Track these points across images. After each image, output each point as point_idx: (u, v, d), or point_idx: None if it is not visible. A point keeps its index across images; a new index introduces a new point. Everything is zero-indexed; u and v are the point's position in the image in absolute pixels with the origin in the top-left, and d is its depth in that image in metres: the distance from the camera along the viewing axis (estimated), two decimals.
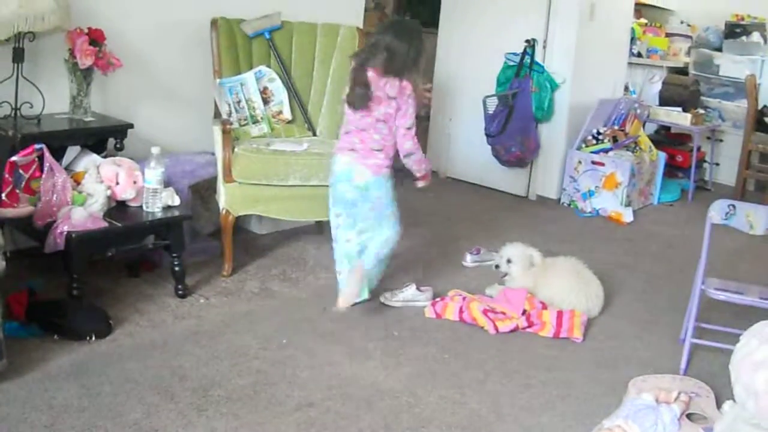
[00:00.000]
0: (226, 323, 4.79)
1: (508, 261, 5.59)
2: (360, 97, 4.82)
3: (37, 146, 4.63)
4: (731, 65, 10.92)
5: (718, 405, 4.18)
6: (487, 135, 8.47)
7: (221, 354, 4.37)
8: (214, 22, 5.76)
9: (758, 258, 7.21)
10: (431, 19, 9.91)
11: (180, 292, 5.07)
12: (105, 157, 5.13)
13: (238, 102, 5.85)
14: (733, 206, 4.82)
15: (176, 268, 5.03)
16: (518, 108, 8.30)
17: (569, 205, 8.53)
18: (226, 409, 3.85)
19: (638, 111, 9.26)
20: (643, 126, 9.48)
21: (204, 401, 3.89)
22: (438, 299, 5.35)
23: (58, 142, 4.94)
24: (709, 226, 4.84)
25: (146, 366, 4.18)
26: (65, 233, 4.46)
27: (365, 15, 7.69)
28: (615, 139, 8.63)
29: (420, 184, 5.42)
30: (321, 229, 6.48)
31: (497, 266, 5.65)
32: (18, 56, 4.94)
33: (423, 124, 9.52)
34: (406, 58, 4.85)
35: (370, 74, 4.81)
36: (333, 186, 5.04)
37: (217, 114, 5.73)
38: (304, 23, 6.29)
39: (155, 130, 5.72)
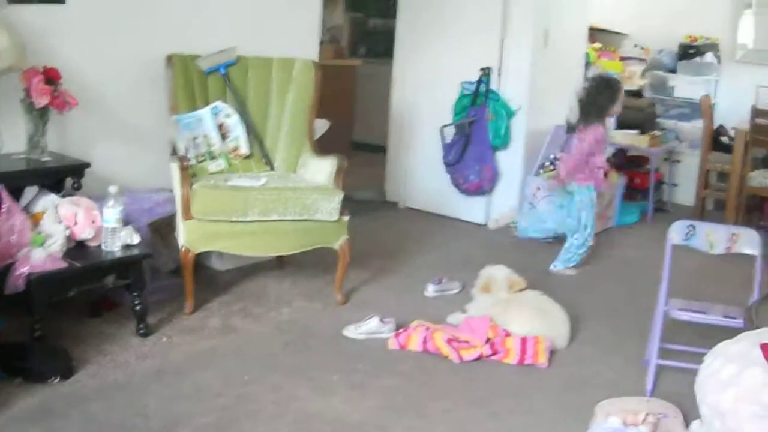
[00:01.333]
0: (189, 361, 4.75)
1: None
2: None
3: None
4: (686, 86, 11.02)
5: (686, 425, 4.20)
6: (446, 164, 8.51)
7: (185, 392, 4.34)
8: (169, 59, 5.76)
9: (720, 277, 7.24)
10: (386, 50, 9.95)
11: (142, 331, 5.02)
12: (63, 196, 5.09)
13: (195, 138, 5.84)
14: (693, 226, 4.86)
15: (137, 307, 4.99)
16: (475, 136, 8.34)
17: None
18: None
19: None
20: None
21: None
22: (401, 330, 5.32)
23: (15, 183, 4.90)
24: (670, 247, 4.88)
25: (110, 407, 4.13)
26: (25, 275, 4.42)
27: (320, 48, 7.71)
28: None
29: None
30: (282, 264, 6.49)
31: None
32: None
33: (379, 154, 9.59)
34: None
35: None
36: None
37: (174, 151, 5.71)
38: (259, 58, 6.29)
39: (113, 168, 5.68)
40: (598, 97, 7.03)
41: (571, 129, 7.14)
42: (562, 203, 7.33)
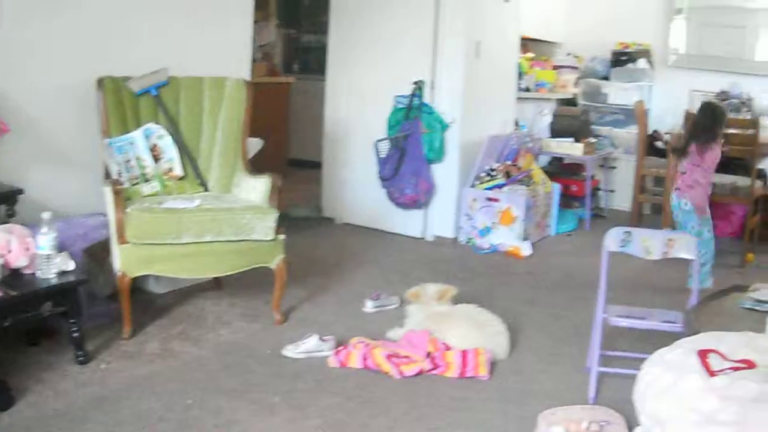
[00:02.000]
0: (129, 387, 4.69)
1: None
2: None
3: None
4: (619, 93, 11.16)
5: (630, 431, 4.22)
6: (381, 178, 8.53)
7: (126, 419, 4.29)
8: (100, 82, 5.71)
9: (658, 282, 7.31)
10: (319, 67, 9.96)
11: (81, 359, 4.95)
12: None
13: (128, 161, 5.79)
14: (629, 233, 4.91)
15: (75, 334, 4.92)
16: (410, 150, 8.36)
17: (467, 243, 8.58)
18: None
19: (530, 145, 9.38)
20: (536, 159, 9.59)
21: None
22: (341, 348, 5.31)
23: None
24: (606, 254, 4.92)
25: None
26: None
27: (253, 66, 7.69)
28: (508, 174, 8.72)
29: None
30: (219, 285, 6.45)
31: None
32: None
33: (315, 171, 9.58)
34: None
35: None
36: None
37: (107, 174, 5.66)
38: (190, 78, 6.26)
39: (46, 194, 5.63)
40: (710, 122, 7.21)
41: (677, 151, 7.35)
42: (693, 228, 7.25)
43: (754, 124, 8.43)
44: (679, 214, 7.27)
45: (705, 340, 3.19)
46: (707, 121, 7.17)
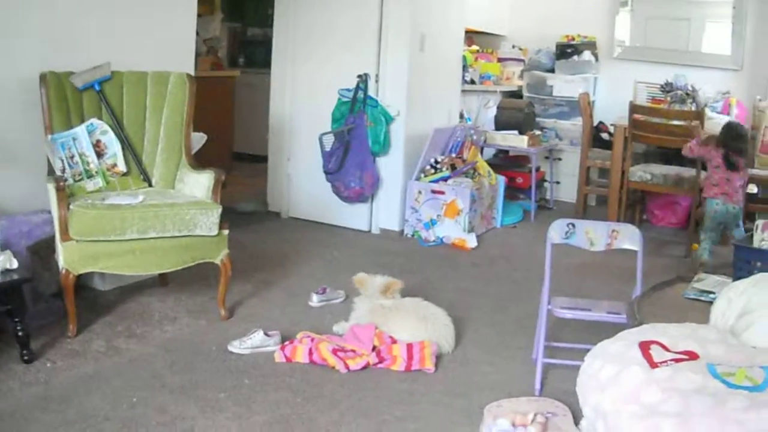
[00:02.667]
0: (75, 386, 4.65)
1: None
2: None
3: None
4: (564, 85, 11.24)
5: (576, 422, 4.25)
6: (326, 172, 8.52)
7: (71, 418, 4.25)
8: (42, 77, 5.64)
9: (603, 273, 7.37)
10: (265, 60, 9.94)
11: (25, 358, 4.90)
12: None
13: (72, 157, 5.74)
14: (573, 224, 4.94)
15: (20, 333, 4.87)
16: (355, 143, 8.36)
17: (413, 235, 8.61)
18: None
19: (474, 137, 9.41)
20: (481, 151, 9.64)
21: None
22: (287, 343, 5.31)
23: None
24: (550, 246, 4.96)
25: None
26: None
27: (198, 60, 7.66)
28: (453, 167, 8.75)
29: None
30: (164, 281, 6.42)
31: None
32: None
33: (261, 165, 9.56)
34: None
35: None
36: None
37: (51, 171, 5.61)
38: (133, 72, 6.21)
39: None
40: (744, 140, 7.86)
41: (732, 166, 7.72)
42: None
43: (698, 115, 8.51)
44: (727, 215, 7.71)
45: (647, 331, 3.20)
46: (743, 141, 7.72)
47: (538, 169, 10.15)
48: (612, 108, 10.39)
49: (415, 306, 5.70)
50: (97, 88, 5.97)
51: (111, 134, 5.96)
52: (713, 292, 4.19)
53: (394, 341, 5.33)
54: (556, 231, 4.94)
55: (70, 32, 6.08)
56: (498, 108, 10.78)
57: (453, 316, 5.71)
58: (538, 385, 4.93)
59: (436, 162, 8.79)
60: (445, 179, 8.62)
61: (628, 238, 4.96)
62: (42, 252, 5.66)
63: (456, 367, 5.26)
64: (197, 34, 7.40)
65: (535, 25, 11.67)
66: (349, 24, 8.63)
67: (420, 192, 8.54)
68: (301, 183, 9.17)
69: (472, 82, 10.40)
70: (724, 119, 9.17)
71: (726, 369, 2.83)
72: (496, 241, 8.70)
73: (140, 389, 4.65)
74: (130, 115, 6.16)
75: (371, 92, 8.49)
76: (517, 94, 11.56)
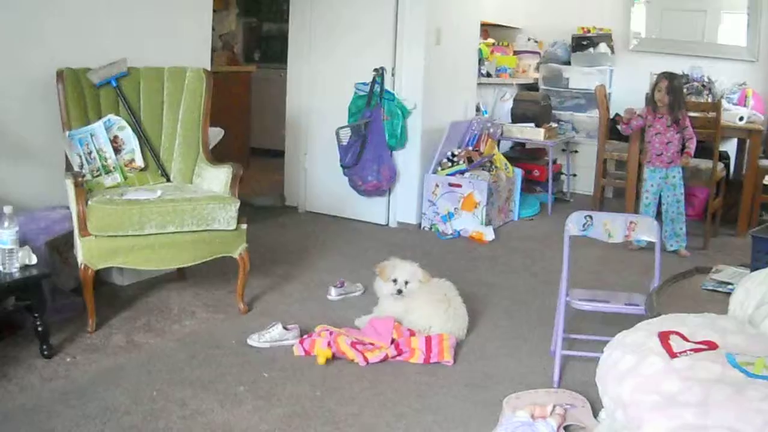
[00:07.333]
0: (95, 380, 4.67)
1: (406, 283, 5.61)
2: None
3: None
4: (580, 77, 11.22)
5: (595, 414, 4.25)
6: (343, 166, 8.53)
7: (92, 413, 4.27)
8: (60, 74, 5.66)
9: (621, 265, 7.37)
10: (280, 55, 9.94)
11: (45, 353, 4.92)
12: None
13: (89, 153, 5.76)
14: (590, 217, 4.92)
15: (40, 328, 4.88)
16: (371, 137, 8.37)
17: (430, 228, 8.62)
18: None
19: (491, 130, 9.40)
20: (498, 144, 9.63)
21: None
22: (306, 336, 5.32)
23: None
24: (567, 238, 4.94)
25: None
26: None
27: (214, 55, 7.67)
28: (470, 160, 8.74)
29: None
30: (183, 276, 6.44)
31: (400, 291, 5.62)
32: None
33: (278, 159, 9.57)
34: None
35: None
36: None
37: (68, 167, 5.64)
38: (150, 68, 6.23)
39: (7, 188, 5.59)
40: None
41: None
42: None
43: (715, 107, 8.48)
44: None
45: (667, 321, 3.20)
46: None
47: (554, 162, 10.15)
48: (628, 100, 10.33)
49: (440, 289, 5.68)
50: (114, 84, 5.99)
51: (128, 130, 5.97)
52: (731, 283, 4.17)
53: (412, 334, 5.33)
54: (574, 223, 4.93)
55: (86, 29, 6.10)
56: (514, 101, 10.77)
57: (471, 309, 5.73)
58: (556, 377, 4.93)
59: (453, 155, 8.79)
60: (462, 172, 8.62)
61: (646, 230, 4.95)
62: (61, 247, 5.68)
63: (475, 359, 5.26)
64: (213, 29, 7.41)
65: (551, 17, 11.66)
66: (365, 18, 8.64)
67: (437, 185, 8.54)
68: (318, 177, 9.19)
69: (488, 75, 10.40)
70: (741, 110, 9.15)
71: (745, 359, 2.82)
72: (513, 233, 8.70)
73: (160, 383, 4.67)
74: (147, 111, 6.18)
75: (388, 86, 8.49)
76: (533, 87, 11.54)
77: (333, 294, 6.31)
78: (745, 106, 9.70)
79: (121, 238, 5.29)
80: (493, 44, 10.95)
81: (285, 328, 5.36)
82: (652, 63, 10.57)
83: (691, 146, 7.84)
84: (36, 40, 5.80)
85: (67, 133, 5.66)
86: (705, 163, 8.57)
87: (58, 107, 5.69)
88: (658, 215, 7.81)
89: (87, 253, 5.28)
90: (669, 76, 7.81)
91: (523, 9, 11.87)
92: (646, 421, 2.70)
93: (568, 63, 11.40)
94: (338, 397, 4.62)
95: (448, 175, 8.60)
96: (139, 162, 6.02)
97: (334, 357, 5.12)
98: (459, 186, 8.46)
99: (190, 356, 5.08)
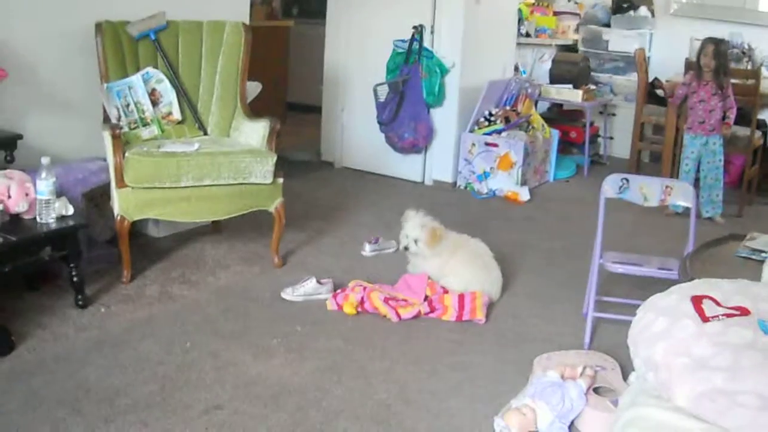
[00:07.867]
0: (129, 331, 4.73)
1: (416, 241, 5.58)
2: None
3: None
4: (620, 40, 11.10)
5: (624, 377, 4.25)
6: (380, 123, 8.53)
7: (125, 362, 4.33)
8: (98, 26, 5.68)
9: (655, 229, 7.34)
10: (319, 10, 9.92)
11: (80, 303, 4.98)
12: None
13: (127, 105, 5.78)
14: (626, 180, 4.90)
15: (75, 279, 4.94)
16: (409, 94, 8.35)
17: (466, 187, 8.61)
18: (134, 417, 3.82)
19: (529, 90, 9.35)
20: (535, 105, 9.59)
21: (111, 411, 3.85)
22: (339, 291, 5.34)
23: None
24: (603, 200, 4.93)
25: (51, 380, 4.11)
26: None
27: (252, 10, 7.66)
28: (507, 120, 8.71)
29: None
30: (218, 229, 6.47)
31: (406, 248, 5.60)
32: None
33: (315, 115, 9.57)
34: None
35: None
36: None
37: (106, 119, 5.66)
38: (189, 22, 6.23)
39: (45, 139, 5.63)
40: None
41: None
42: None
43: (755, 74, 8.41)
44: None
45: (700, 286, 3.19)
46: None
47: (591, 124, 10.08)
48: (668, 64, 10.26)
49: (475, 252, 5.67)
50: (152, 37, 6.00)
51: (166, 83, 5.99)
52: (765, 251, 4.16)
53: (446, 291, 5.34)
54: (610, 186, 4.91)
55: None
56: (553, 62, 10.71)
57: (504, 269, 5.73)
58: (587, 339, 4.94)
59: (491, 114, 8.76)
60: (498, 132, 8.59)
61: (682, 194, 4.92)
62: (97, 199, 5.72)
63: (507, 318, 5.27)
64: None
65: None
66: None
67: (474, 144, 8.52)
68: (355, 133, 9.18)
69: (528, 35, 10.33)
70: None
71: None
72: (548, 194, 8.68)
73: (193, 334, 4.72)
74: (186, 64, 6.18)
75: (426, 44, 8.45)
76: (572, 48, 11.46)
77: (367, 250, 6.34)
78: None
79: (157, 190, 5.33)
80: (533, 4, 10.87)
81: (319, 282, 5.38)
82: (692, 28, 10.45)
83: (731, 116, 7.74)
84: None
85: (105, 85, 5.68)
86: (743, 131, 8.50)
87: (96, 60, 5.71)
88: (696, 182, 7.77)
89: (123, 205, 5.31)
90: (715, 41, 7.73)
91: None
92: (676, 384, 2.70)
93: (608, 25, 11.29)
94: (370, 352, 4.65)
95: (484, 134, 8.57)
96: (177, 115, 6.04)
97: (366, 312, 5.14)
98: (495, 145, 8.44)
99: (224, 309, 5.13)
